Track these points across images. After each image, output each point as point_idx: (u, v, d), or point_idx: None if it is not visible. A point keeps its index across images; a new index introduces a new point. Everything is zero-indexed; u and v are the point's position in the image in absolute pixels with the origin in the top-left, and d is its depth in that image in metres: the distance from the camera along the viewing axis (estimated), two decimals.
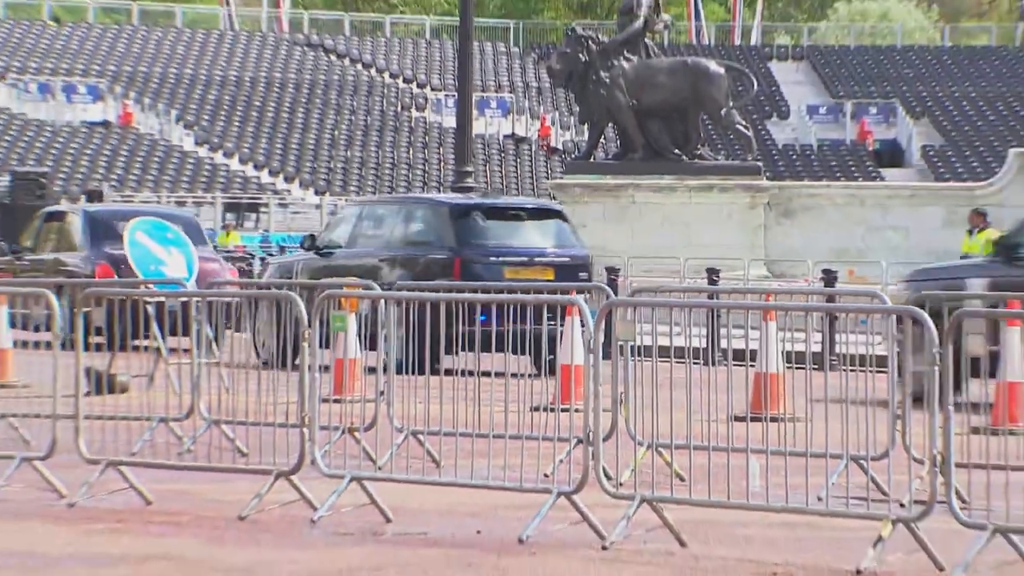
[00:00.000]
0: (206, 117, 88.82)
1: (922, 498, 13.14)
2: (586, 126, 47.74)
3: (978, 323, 15.05)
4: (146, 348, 19.95)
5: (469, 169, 45.15)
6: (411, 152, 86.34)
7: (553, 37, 71.06)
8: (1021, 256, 26.90)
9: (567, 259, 31.12)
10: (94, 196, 62.61)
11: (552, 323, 18.52)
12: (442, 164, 75.77)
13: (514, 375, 17.02)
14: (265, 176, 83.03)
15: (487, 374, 16.72)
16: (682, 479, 14.96)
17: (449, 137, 69.37)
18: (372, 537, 14.46)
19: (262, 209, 71.41)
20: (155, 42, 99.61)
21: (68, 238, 38.42)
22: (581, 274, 30.90)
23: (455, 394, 16.75)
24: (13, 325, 21.69)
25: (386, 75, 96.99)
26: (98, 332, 19.68)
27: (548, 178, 64.92)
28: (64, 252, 38.08)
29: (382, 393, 17.22)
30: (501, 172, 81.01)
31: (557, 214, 33.37)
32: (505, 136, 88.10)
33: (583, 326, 16.29)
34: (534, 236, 31.45)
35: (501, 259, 29.45)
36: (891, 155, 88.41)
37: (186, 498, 16.13)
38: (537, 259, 30.60)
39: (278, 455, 15.89)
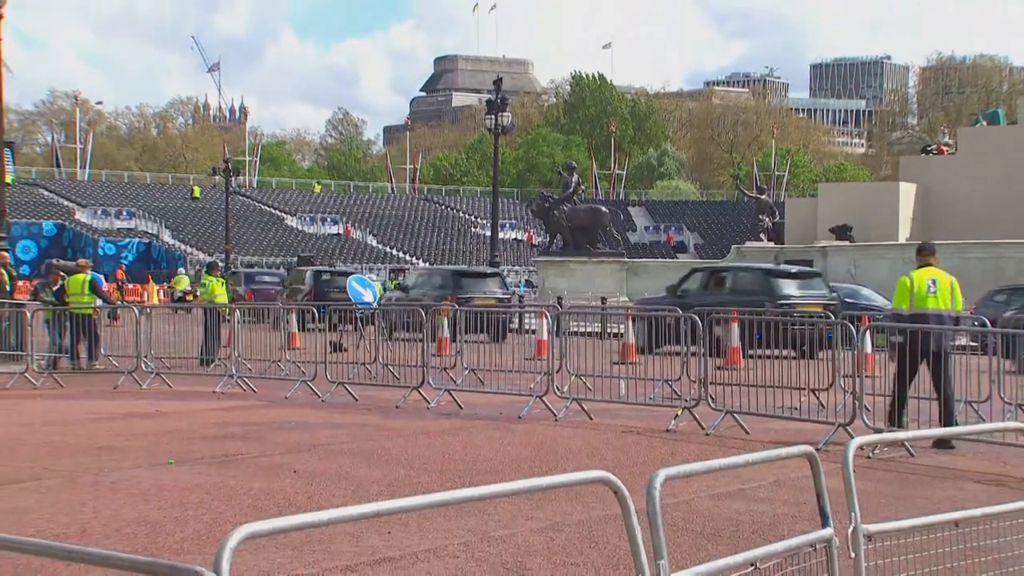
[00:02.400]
0: (380, 230, 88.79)
1: (695, 397, 13.10)
2: (547, 235, 47.44)
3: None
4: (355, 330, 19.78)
5: (496, 254, 45.11)
6: (469, 246, 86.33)
7: (534, 195, 71.25)
8: None
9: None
10: (305, 261, 55.36)
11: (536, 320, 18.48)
12: (482, 253, 75.30)
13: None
14: (406, 256, 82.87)
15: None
16: (590, 389, 14.93)
17: (487, 240, 68.87)
18: (454, 415, 14.43)
19: (407, 271, 71.35)
20: (360, 198, 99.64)
21: (238, 279, 40.65)
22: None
23: (491, 352, 16.69)
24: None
25: (460, 212, 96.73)
26: (332, 322, 19.54)
27: (531, 258, 64.70)
28: (236, 286, 37.39)
29: (458, 352, 17.18)
30: (510, 257, 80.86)
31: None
32: (513, 239, 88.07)
33: (548, 322, 16.26)
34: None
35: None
36: (680, 248, 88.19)
37: (372, 398, 16.09)
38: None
39: (413, 379, 15.85)
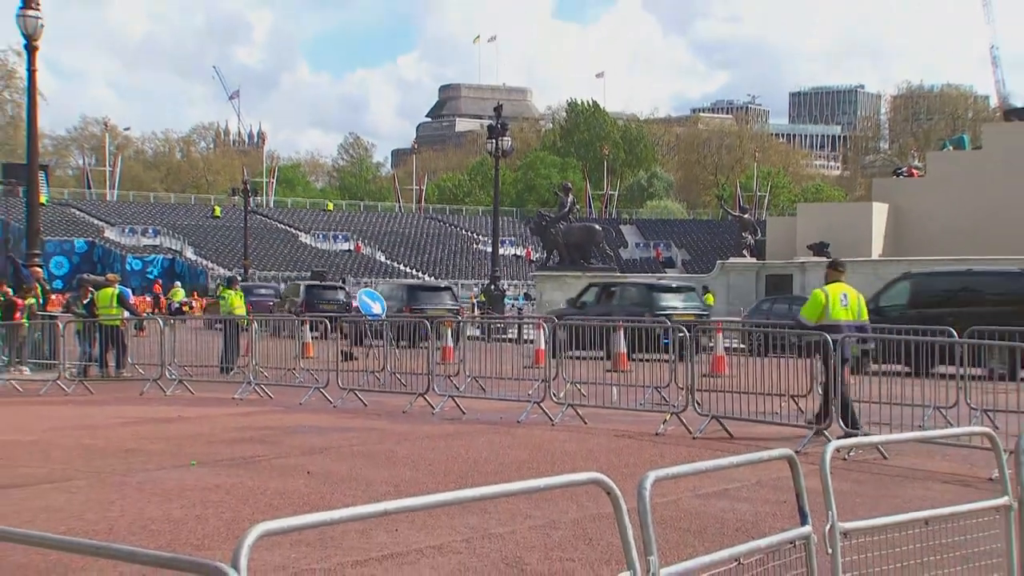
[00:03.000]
0: (388, 247, 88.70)
1: (683, 403, 13.09)
2: (544, 251, 47.26)
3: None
4: (363, 342, 19.73)
5: (497, 270, 44.98)
6: (471, 262, 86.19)
7: (533, 214, 71.11)
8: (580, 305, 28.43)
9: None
10: (319, 276, 54.98)
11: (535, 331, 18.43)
12: (484, 268, 75.11)
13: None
14: (414, 271, 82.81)
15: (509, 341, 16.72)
16: (584, 396, 14.89)
17: (488, 256, 68.67)
18: (456, 420, 14.41)
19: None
20: (369, 217, 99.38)
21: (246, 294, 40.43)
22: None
23: (492, 359, 16.67)
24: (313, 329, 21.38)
25: (463, 230, 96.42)
26: (344, 334, 19.52)
27: (530, 273, 64.61)
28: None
29: (461, 360, 17.15)
30: (510, 272, 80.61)
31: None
32: (512, 255, 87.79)
33: (545, 332, 16.25)
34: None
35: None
36: (668, 263, 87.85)
37: (380, 404, 16.06)
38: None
39: (418, 386, 15.83)
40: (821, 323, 12.32)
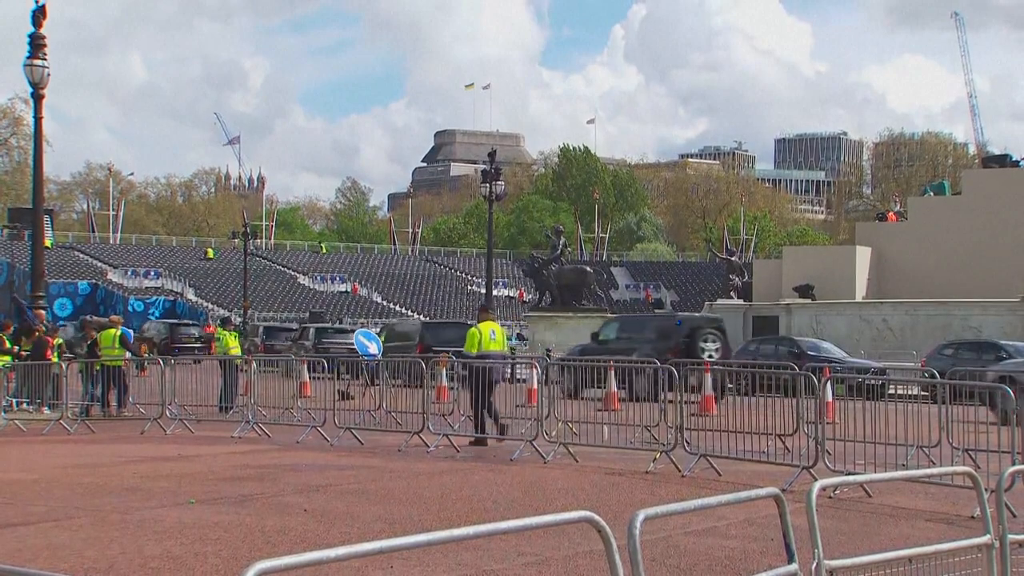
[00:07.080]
0: (385, 288, 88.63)
1: (672, 442, 13.05)
2: (537, 293, 47.29)
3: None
4: (360, 380, 19.63)
5: (490, 309, 44.94)
6: (465, 303, 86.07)
7: (526, 256, 71.03)
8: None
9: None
10: (316, 317, 56.05)
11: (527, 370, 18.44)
12: (477, 308, 74.96)
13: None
14: (407, 311, 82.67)
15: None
16: (576, 434, 14.84)
17: (482, 297, 68.61)
18: (451, 458, 14.34)
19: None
20: (366, 259, 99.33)
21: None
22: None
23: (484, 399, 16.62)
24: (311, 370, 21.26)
25: (458, 272, 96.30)
26: (340, 373, 19.43)
27: (523, 313, 64.56)
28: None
29: (455, 400, 17.08)
30: (504, 313, 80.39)
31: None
32: (506, 296, 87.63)
33: (537, 372, 16.23)
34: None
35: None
36: (658, 304, 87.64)
37: (376, 442, 15.99)
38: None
39: (414, 424, 15.78)
40: (480, 353, 15.65)
